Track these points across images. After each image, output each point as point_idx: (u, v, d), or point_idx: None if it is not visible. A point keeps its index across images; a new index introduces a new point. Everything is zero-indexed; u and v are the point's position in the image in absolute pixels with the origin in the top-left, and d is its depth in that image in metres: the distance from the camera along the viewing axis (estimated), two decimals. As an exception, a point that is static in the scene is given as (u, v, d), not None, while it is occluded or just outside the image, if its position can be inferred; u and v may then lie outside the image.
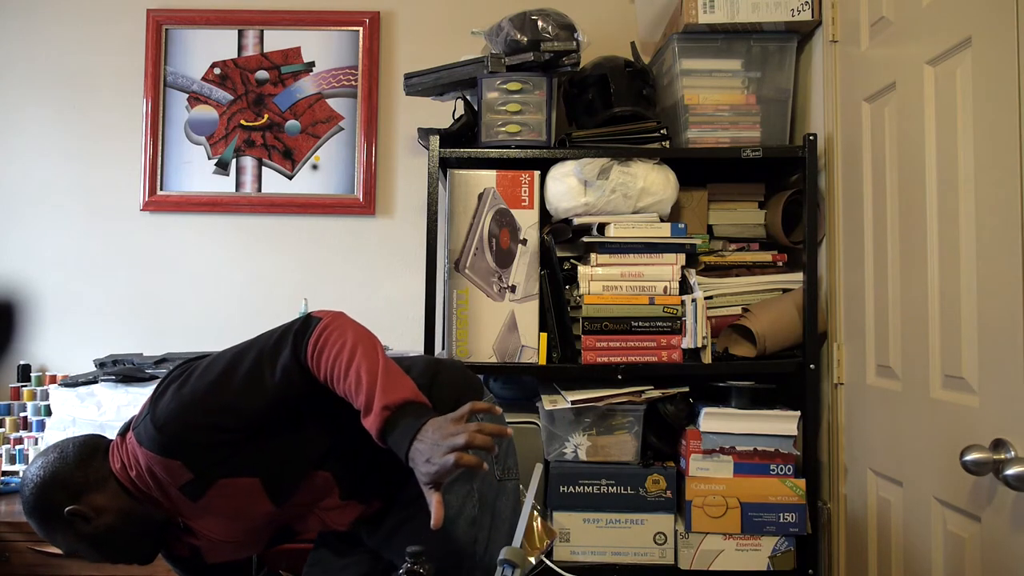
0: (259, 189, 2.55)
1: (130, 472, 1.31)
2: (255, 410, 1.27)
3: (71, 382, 2.14)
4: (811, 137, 1.95)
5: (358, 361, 1.24)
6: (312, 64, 2.56)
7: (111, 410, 2.06)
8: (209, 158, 2.55)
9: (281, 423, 1.31)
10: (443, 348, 2.01)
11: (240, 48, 2.57)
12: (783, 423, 1.90)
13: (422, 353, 1.99)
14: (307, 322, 1.30)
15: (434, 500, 1.16)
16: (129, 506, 1.33)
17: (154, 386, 2.11)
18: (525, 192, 1.97)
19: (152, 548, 1.40)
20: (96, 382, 2.13)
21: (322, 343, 1.26)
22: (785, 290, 2.02)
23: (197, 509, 1.32)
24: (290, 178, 2.55)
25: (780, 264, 2.05)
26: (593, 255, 1.96)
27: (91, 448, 1.35)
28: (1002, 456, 1.19)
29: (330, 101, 2.55)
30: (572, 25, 2.01)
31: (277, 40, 2.56)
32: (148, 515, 1.35)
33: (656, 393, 1.94)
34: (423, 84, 2.07)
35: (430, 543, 1.26)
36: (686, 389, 1.99)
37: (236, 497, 1.31)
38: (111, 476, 1.33)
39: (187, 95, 2.56)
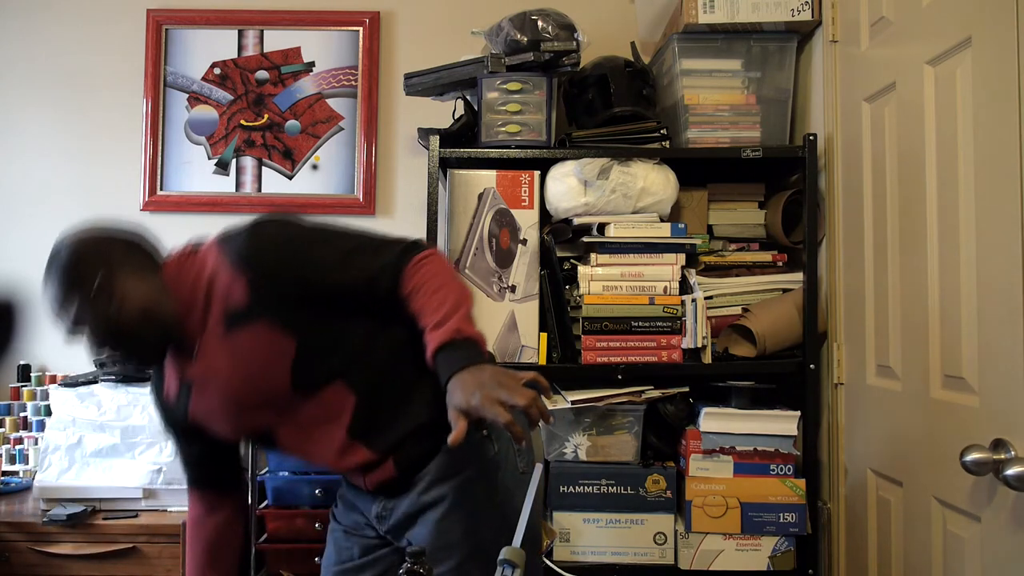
0: (259, 189, 2.55)
1: (187, 274, 1.31)
2: (339, 284, 1.28)
3: (71, 382, 2.15)
4: (811, 137, 1.95)
5: (452, 290, 1.25)
6: (312, 64, 2.56)
7: (111, 410, 2.07)
8: (209, 158, 2.55)
9: (342, 313, 1.31)
10: (443, 348, 2.01)
11: (240, 48, 2.57)
12: (783, 423, 1.90)
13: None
14: (421, 243, 1.32)
15: (460, 425, 1.12)
16: (159, 306, 1.28)
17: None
18: (525, 192, 1.97)
19: (155, 356, 1.36)
20: (96, 382, 2.13)
21: (430, 261, 1.28)
22: (785, 290, 2.02)
23: (222, 340, 1.30)
24: (290, 178, 2.55)
25: (780, 264, 2.05)
26: (593, 255, 1.96)
27: (146, 240, 1.36)
28: (1002, 456, 1.19)
29: (330, 101, 2.55)
30: (572, 25, 2.01)
31: (277, 40, 2.56)
32: (171, 324, 1.30)
33: (656, 393, 1.94)
34: (423, 84, 2.07)
35: (454, 536, 1.30)
36: (686, 389, 1.99)
37: (264, 349, 1.28)
38: (158, 270, 1.32)
39: (187, 95, 2.56)
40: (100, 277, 1.24)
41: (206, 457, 1.49)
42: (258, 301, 1.27)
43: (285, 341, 1.29)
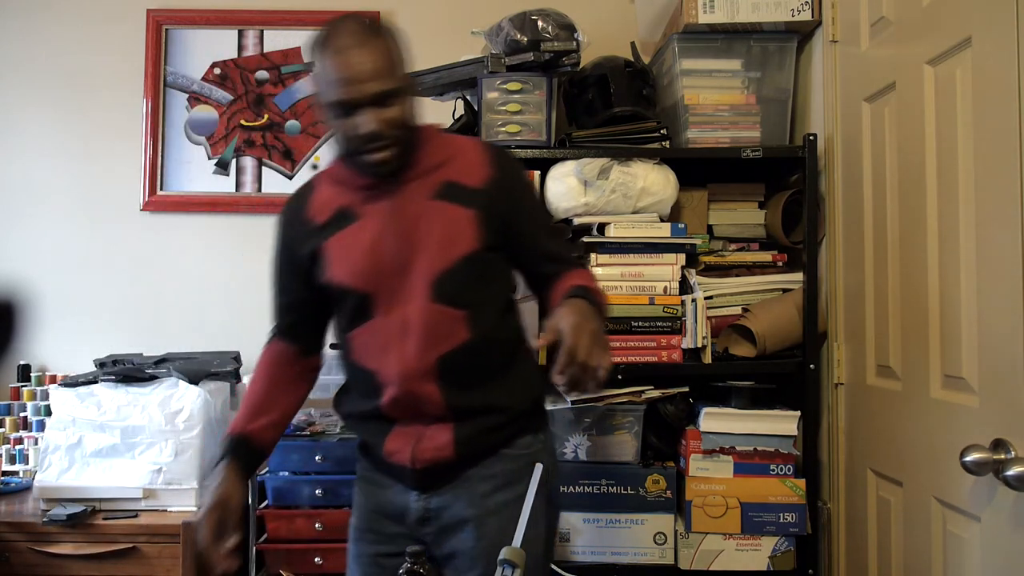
0: (259, 189, 2.55)
1: (433, 132, 1.44)
2: (533, 237, 1.44)
3: (71, 382, 2.14)
4: (811, 137, 1.95)
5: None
6: (312, 64, 2.55)
7: (111, 410, 2.06)
8: (209, 158, 2.55)
9: (507, 264, 1.44)
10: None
11: (240, 48, 2.57)
12: (783, 423, 1.90)
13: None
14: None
15: (546, 338, 1.19)
16: (413, 123, 1.37)
17: (154, 387, 2.13)
18: (525, 192, 1.97)
19: (396, 154, 1.35)
20: (96, 382, 2.13)
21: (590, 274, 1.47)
22: (785, 290, 2.02)
23: (420, 200, 1.36)
24: (290, 178, 2.55)
25: (780, 264, 2.05)
26: (593, 255, 1.96)
27: None
28: (1002, 456, 1.19)
29: (330, 101, 2.55)
30: (572, 25, 2.01)
31: (277, 40, 2.56)
32: (413, 145, 1.37)
33: (656, 393, 1.94)
34: (423, 84, 2.07)
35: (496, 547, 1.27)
36: (686, 389, 1.99)
37: (450, 231, 1.35)
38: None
39: (187, 95, 2.56)
40: (400, 53, 1.35)
41: (303, 305, 1.48)
42: (484, 194, 1.37)
43: (470, 241, 1.36)
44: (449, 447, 1.35)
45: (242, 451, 1.42)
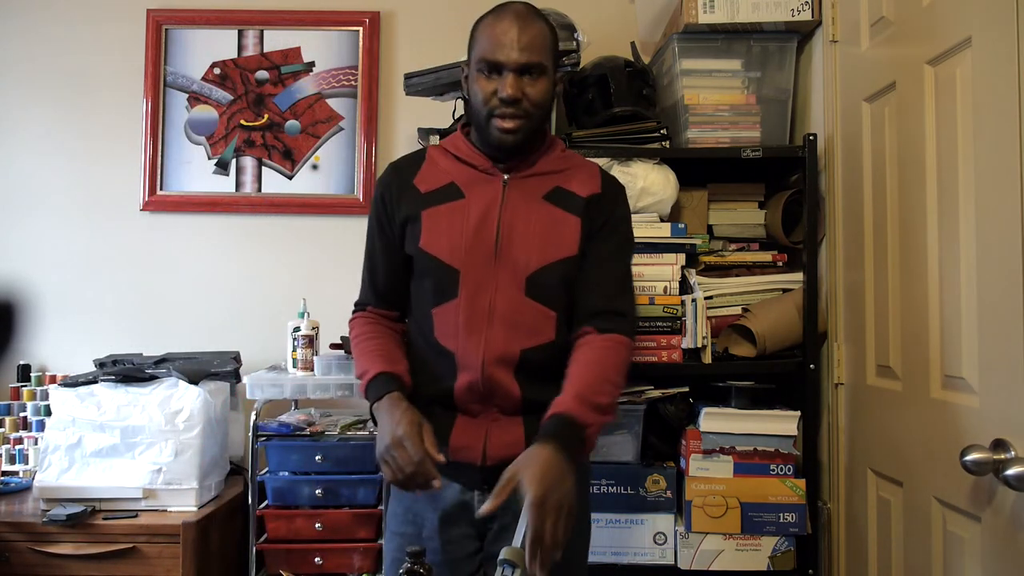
0: (259, 189, 2.55)
1: (557, 140, 1.50)
2: (610, 270, 1.44)
3: (71, 382, 2.14)
4: (811, 137, 1.95)
5: (616, 386, 1.35)
6: (312, 64, 2.56)
7: (111, 410, 2.06)
8: (209, 158, 2.55)
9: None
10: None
11: (240, 48, 2.57)
12: (783, 423, 1.90)
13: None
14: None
15: (503, 493, 1.18)
16: (548, 108, 1.42)
17: (154, 387, 2.12)
18: (525, 192, 1.97)
19: (524, 129, 1.38)
20: (96, 382, 2.13)
21: (629, 349, 1.40)
22: (785, 290, 2.02)
23: (530, 197, 1.40)
24: (290, 178, 2.55)
25: (780, 264, 2.05)
26: (593, 255, 1.96)
27: None
28: (1002, 456, 1.19)
29: (330, 101, 2.55)
30: (572, 25, 2.01)
31: (277, 40, 2.56)
32: (537, 129, 1.42)
33: (656, 393, 1.94)
34: (423, 84, 2.07)
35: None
36: (686, 389, 1.98)
37: (553, 233, 1.39)
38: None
39: (187, 95, 2.56)
40: (555, 52, 1.42)
41: (401, 270, 1.46)
42: (588, 206, 1.41)
43: (571, 246, 1.39)
44: (520, 443, 1.35)
45: (401, 387, 1.38)
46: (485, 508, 1.18)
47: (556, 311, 1.39)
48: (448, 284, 1.37)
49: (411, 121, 2.50)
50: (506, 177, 1.42)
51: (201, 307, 2.54)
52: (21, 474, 2.33)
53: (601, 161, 1.94)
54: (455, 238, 1.38)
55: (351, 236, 2.53)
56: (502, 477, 1.19)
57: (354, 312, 1.53)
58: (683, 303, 1.95)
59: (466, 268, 1.37)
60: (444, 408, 1.39)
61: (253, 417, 2.12)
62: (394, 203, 1.44)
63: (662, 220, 1.99)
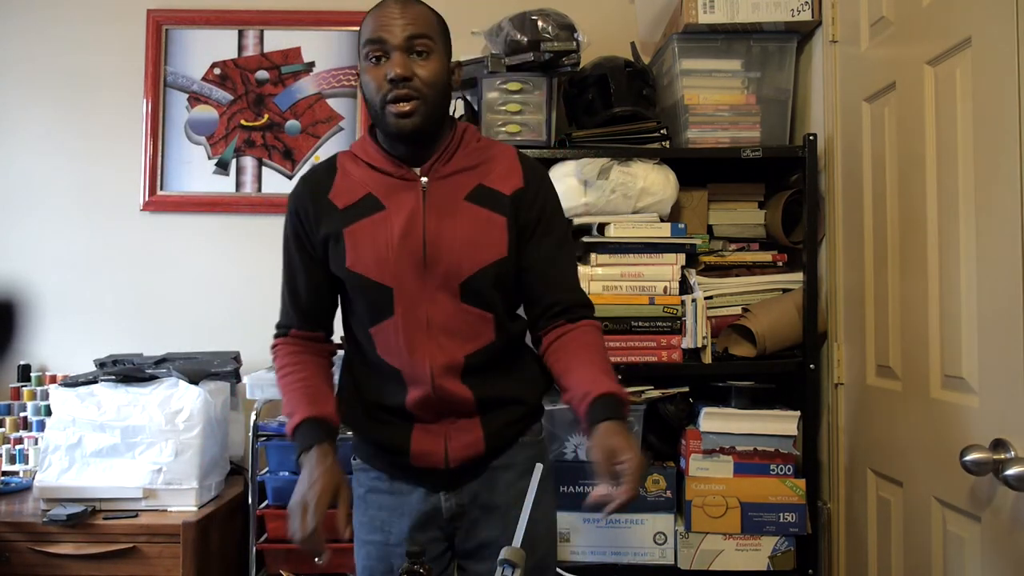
0: (259, 189, 2.55)
1: (471, 132, 1.43)
2: (549, 260, 1.42)
3: (71, 382, 2.14)
4: (811, 137, 1.95)
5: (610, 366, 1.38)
6: (312, 64, 2.56)
7: (111, 410, 2.06)
8: (209, 158, 2.55)
9: (518, 278, 1.42)
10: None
11: (240, 48, 2.57)
12: (783, 423, 1.90)
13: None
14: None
15: (618, 499, 1.20)
16: (446, 97, 1.37)
17: (154, 387, 2.13)
18: (525, 192, 1.97)
19: (423, 120, 1.33)
20: (96, 382, 2.13)
21: (600, 329, 1.43)
22: (785, 290, 2.02)
23: (454, 199, 1.36)
24: (290, 178, 2.55)
25: (780, 264, 2.05)
26: (593, 255, 1.96)
27: None
28: (1002, 456, 1.19)
29: (330, 101, 2.55)
30: (572, 25, 2.01)
31: (277, 40, 2.56)
32: (439, 119, 1.37)
33: (656, 393, 1.94)
34: (423, 84, 2.06)
35: (540, 530, 1.36)
36: (686, 389, 1.99)
37: (480, 235, 1.35)
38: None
39: (187, 95, 2.56)
40: (441, 28, 1.37)
41: (323, 289, 1.43)
42: (515, 203, 1.38)
43: (501, 248, 1.36)
44: (480, 442, 1.37)
45: (329, 433, 1.36)
46: (598, 493, 1.21)
47: (493, 312, 1.37)
48: (382, 303, 1.34)
49: (411, 121, 2.49)
50: (424, 180, 1.36)
51: (201, 307, 2.54)
52: (21, 474, 2.33)
53: (601, 161, 1.95)
54: (381, 253, 1.33)
55: (351, 236, 2.53)
56: (596, 460, 1.23)
57: (276, 337, 1.47)
58: (683, 303, 1.95)
59: (398, 284, 1.33)
60: (399, 418, 1.38)
61: (253, 417, 2.12)
62: (311, 220, 1.39)
63: (662, 220, 1.99)
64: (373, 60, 1.31)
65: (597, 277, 1.95)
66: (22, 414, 2.41)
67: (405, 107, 1.29)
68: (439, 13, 1.38)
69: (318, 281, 1.42)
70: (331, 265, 1.38)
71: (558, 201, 1.46)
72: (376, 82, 1.31)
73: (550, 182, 1.47)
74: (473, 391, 1.36)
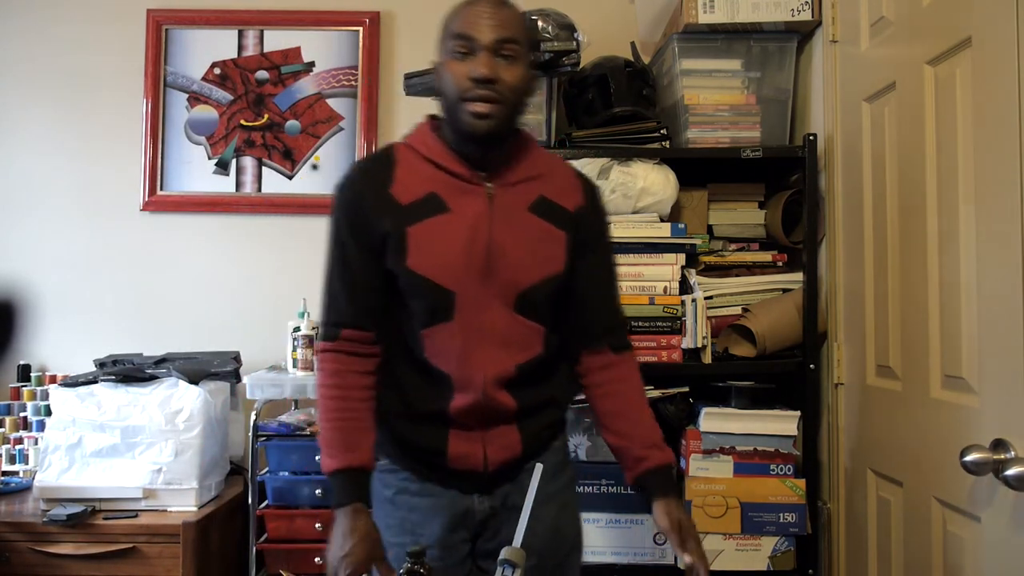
0: (259, 189, 2.55)
1: (535, 144, 1.44)
2: (597, 280, 1.45)
3: (71, 382, 2.15)
4: (811, 137, 1.95)
5: (649, 409, 1.45)
6: (312, 64, 2.56)
7: (111, 410, 2.06)
8: (209, 158, 2.55)
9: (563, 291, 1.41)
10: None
11: (240, 48, 2.57)
12: (783, 423, 1.90)
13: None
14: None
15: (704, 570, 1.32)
16: (522, 105, 1.36)
17: (154, 387, 2.13)
18: (525, 192, 1.97)
19: (501, 120, 1.31)
20: (96, 382, 2.13)
21: (635, 361, 1.47)
22: (785, 290, 2.02)
23: (517, 209, 1.35)
24: (290, 178, 2.55)
25: (780, 264, 2.05)
26: (593, 255, 1.96)
27: None
28: (1002, 456, 1.19)
29: (330, 101, 2.55)
30: (572, 25, 2.01)
31: (277, 40, 2.56)
32: (510, 125, 1.35)
33: (656, 393, 1.94)
34: (423, 84, 2.06)
35: (569, 531, 1.45)
36: (686, 389, 1.98)
37: (542, 248, 1.36)
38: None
39: (187, 95, 2.56)
40: (529, 37, 1.36)
41: (379, 286, 1.35)
42: (576, 220, 1.39)
43: (559, 262, 1.37)
44: (517, 444, 1.37)
45: (365, 484, 1.34)
46: (688, 565, 1.33)
47: (544, 325, 1.38)
48: (441, 306, 1.31)
49: (411, 121, 2.44)
50: (489, 186, 1.34)
51: (201, 307, 2.54)
52: (21, 474, 2.33)
53: (601, 161, 1.94)
54: (447, 257, 1.31)
55: (351, 236, 2.53)
56: (666, 531, 1.36)
57: (323, 339, 1.38)
58: (683, 303, 1.95)
59: (461, 289, 1.31)
60: (435, 423, 1.36)
61: (253, 417, 2.12)
62: (369, 212, 1.33)
63: (662, 220, 1.99)
64: (458, 55, 1.30)
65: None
66: (22, 414, 2.41)
67: (484, 108, 1.27)
68: (525, 19, 1.38)
69: (375, 273, 1.35)
70: (388, 261, 1.33)
71: (608, 219, 1.49)
72: (457, 78, 1.29)
73: (604, 203, 1.50)
74: (517, 400, 1.36)
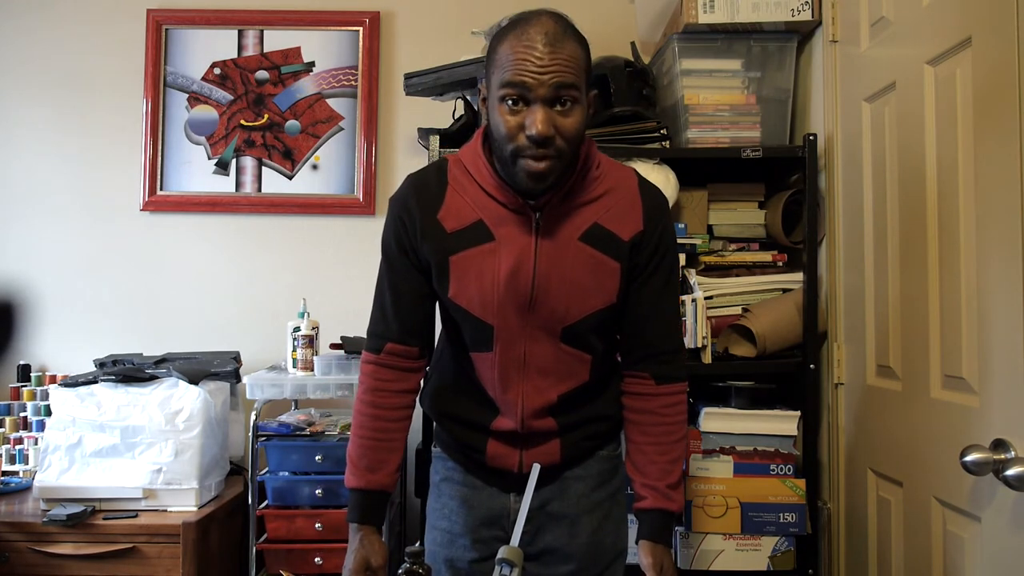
0: (259, 189, 2.55)
1: (605, 161, 1.36)
2: (657, 309, 1.37)
3: (71, 382, 2.14)
4: (811, 137, 1.95)
5: (682, 450, 1.38)
6: (312, 64, 2.56)
7: (111, 410, 2.06)
8: (209, 158, 2.55)
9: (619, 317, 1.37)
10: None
11: (240, 48, 2.57)
12: (783, 423, 1.90)
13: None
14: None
15: None
16: (576, 149, 1.27)
17: (154, 387, 2.13)
18: (525, 192, 1.97)
19: (551, 170, 1.22)
20: (96, 382, 2.13)
21: (684, 397, 1.39)
22: (785, 290, 2.01)
23: (567, 239, 1.28)
24: (290, 178, 2.55)
25: (780, 264, 2.05)
26: (593, 255, 1.96)
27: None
28: (1002, 456, 1.19)
29: (330, 101, 2.55)
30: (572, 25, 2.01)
31: (277, 40, 2.56)
32: (565, 169, 1.26)
33: (656, 393, 1.94)
34: (423, 84, 2.07)
35: (608, 541, 1.41)
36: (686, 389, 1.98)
37: (591, 279, 1.29)
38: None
39: (187, 95, 2.56)
40: (589, 74, 1.25)
41: (418, 299, 1.35)
42: (632, 249, 1.31)
43: (611, 295, 1.30)
44: (556, 454, 1.37)
45: (381, 507, 1.35)
46: None
47: (592, 355, 1.34)
48: (481, 337, 1.31)
49: (411, 121, 2.50)
50: (538, 216, 1.26)
51: (201, 307, 2.54)
52: (21, 474, 2.33)
53: (601, 161, 1.94)
54: (486, 290, 1.27)
55: (351, 236, 2.54)
56: (647, 570, 1.32)
57: (367, 350, 1.37)
58: (683, 303, 1.94)
59: (500, 322, 1.28)
60: (477, 429, 1.38)
61: (253, 417, 2.12)
62: (416, 233, 1.31)
63: (662, 220, 1.98)
64: (509, 103, 1.18)
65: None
66: (22, 414, 2.41)
67: (541, 167, 1.19)
68: (586, 41, 1.24)
69: (423, 291, 1.34)
70: (434, 283, 1.33)
71: (674, 238, 1.38)
72: (509, 129, 1.19)
73: (669, 216, 1.38)
74: (559, 421, 1.36)
